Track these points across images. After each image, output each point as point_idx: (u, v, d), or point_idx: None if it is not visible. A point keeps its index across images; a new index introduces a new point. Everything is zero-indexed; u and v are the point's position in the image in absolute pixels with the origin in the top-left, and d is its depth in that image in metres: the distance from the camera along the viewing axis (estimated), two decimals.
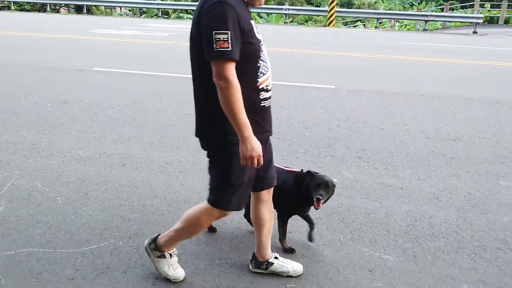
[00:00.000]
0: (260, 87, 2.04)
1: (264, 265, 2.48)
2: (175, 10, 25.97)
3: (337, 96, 6.57)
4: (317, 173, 2.61)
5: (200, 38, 1.90)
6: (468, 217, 3.22)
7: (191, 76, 2.10)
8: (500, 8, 22.99)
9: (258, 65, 2.01)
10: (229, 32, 1.81)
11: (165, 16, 24.89)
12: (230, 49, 1.82)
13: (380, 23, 22.04)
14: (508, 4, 23.51)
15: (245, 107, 1.89)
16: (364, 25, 24.35)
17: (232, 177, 2.10)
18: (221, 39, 1.81)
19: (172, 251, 2.39)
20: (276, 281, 2.44)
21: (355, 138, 4.78)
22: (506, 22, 22.75)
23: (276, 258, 2.50)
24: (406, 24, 25.01)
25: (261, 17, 24.40)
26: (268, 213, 2.40)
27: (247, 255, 2.62)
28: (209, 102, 1.98)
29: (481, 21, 19.51)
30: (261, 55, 2.01)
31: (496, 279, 2.53)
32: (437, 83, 7.76)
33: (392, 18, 21.87)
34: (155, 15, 24.32)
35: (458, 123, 5.44)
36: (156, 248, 2.36)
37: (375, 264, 2.63)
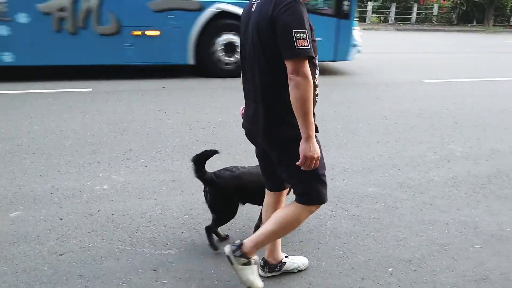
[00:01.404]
0: (316, 83, 2.06)
1: (278, 267, 2.49)
2: None
3: (95, 98, 6.22)
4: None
5: (273, 36, 1.91)
6: None
7: None
8: None
9: (316, 62, 2.06)
10: (306, 31, 1.86)
11: None
12: (309, 47, 1.86)
13: None
14: None
15: None
16: None
17: (317, 169, 2.04)
18: (301, 37, 1.85)
19: (254, 257, 2.25)
20: None
21: (120, 140, 4.63)
22: None
23: (286, 257, 2.54)
24: None
25: None
26: None
27: None
28: (284, 98, 1.95)
29: None
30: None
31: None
32: (190, 75, 8.21)
33: None
34: None
35: (215, 111, 5.87)
36: (242, 255, 2.20)
37: (158, 262, 2.60)
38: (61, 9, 6.90)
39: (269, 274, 2.49)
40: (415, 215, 3.31)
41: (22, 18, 6.70)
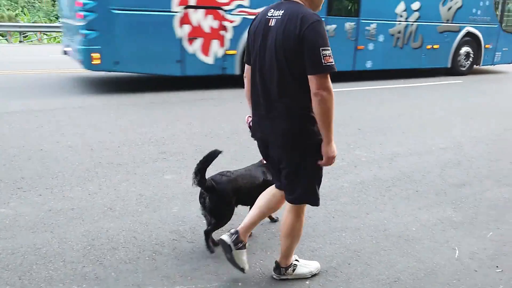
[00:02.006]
0: None
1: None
2: None
3: None
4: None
5: (299, 52, 2.03)
6: (144, 219, 3.26)
7: None
8: None
9: None
10: (329, 48, 2.00)
11: None
12: (333, 63, 2.01)
13: (25, 36, 20.38)
14: None
15: None
16: (6, 39, 21.95)
17: (321, 174, 2.33)
18: (327, 54, 1.99)
19: (294, 260, 2.57)
20: None
21: (10, 167, 4.14)
22: None
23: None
24: (55, 37, 24.05)
25: None
26: None
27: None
28: (304, 109, 2.12)
29: None
30: None
31: (189, 272, 2.63)
32: (89, 91, 7.73)
33: (38, 31, 20.54)
34: None
35: (121, 129, 5.54)
36: (288, 269, 2.54)
37: None
38: (399, 32, 10.45)
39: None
40: (328, 223, 3.33)
41: (380, 38, 10.22)
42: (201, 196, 2.76)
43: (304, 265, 2.63)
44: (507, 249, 3.04)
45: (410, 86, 10.01)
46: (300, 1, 2.16)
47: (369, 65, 10.22)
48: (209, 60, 8.20)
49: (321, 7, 2.29)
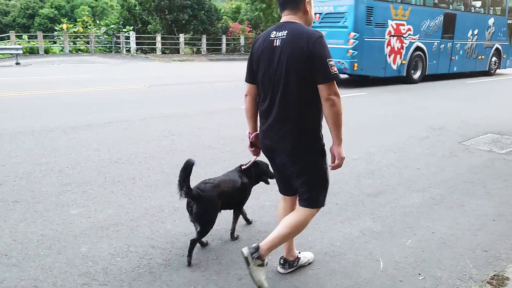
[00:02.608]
0: None
1: (296, 262, 2.85)
2: None
3: None
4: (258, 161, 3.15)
5: (308, 65, 2.30)
6: (47, 263, 2.86)
7: None
8: (37, 39, 23.53)
9: None
10: (332, 58, 2.32)
11: None
12: (338, 72, 2.32)
13: None
14: (44, 35, 24.42)
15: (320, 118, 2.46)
16: None
17: (328, 176, 2.56)
18: (332, 65, 2.30)
19: (266, 260, 2.53)
20: None
21: None
22: (46, 51, 23.52)
23: (299, 252, 2.91)
24: None
25: None
26: None
27: None
28: (314, 117, 2.43)
29: (21, 52, 19.38)
30: None
31: None
32: None
33: None
34: None
35: (16, 160, 4.95)
36: (259, 257, 2.45)
37: None
38: (469, 48, 15.93)
39: (289, 270, 2.84)
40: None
41: (461, 52, 15.69)
42: (189, 205, 2.91)
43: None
44: (426, 256, 3.12)
45: None
46: (297, 21, 2.43)
47: (455, 69, 15.71)
48: (394, 67, 13.44)
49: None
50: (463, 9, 15.61)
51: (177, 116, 7.79)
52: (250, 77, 2.61)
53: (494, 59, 17.51)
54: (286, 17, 2.45)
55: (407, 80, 13.86)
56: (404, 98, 11.10)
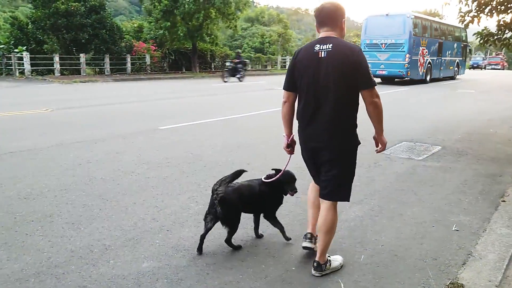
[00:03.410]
0: None
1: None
2: None
3: None
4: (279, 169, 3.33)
5: (353, 72, 2.71)
6: None
7: None
8: None
9: None
10: None
11: None
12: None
13: None
14: None
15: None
16: None
17: (354, 172, 3.00)
18: (371, 73, 2.77)
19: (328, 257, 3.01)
20: None
21: None
22: None
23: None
24: None
25: None
26: None
27: None
28: (354, 117, 2.87)
29: None
30: None
31: None
32: None
33: None
34: None
35: None
36: (325, 264, 2.94)
37: None
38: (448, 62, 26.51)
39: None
40: (203, 282, 2.87)
41: (444, 64, 25.80)
42: (212, 207, 3.20)
43: (334, 259, 3.05)
44: (382, 270, 3.06)
45: (239, 117, 10.20)
46: (336, 36, 2.83)
47: (441, 75, 25.08)
48: (420, 73, 22.18)
49: None
50: (444, 39, 24.94)
51: (90, 141, 7.12)
52: (290, 86, 2.97)
53: (456, 69, 27.17)
54: (326, 33, 2.84)
55: (424, 81, 22.48)
56: None
